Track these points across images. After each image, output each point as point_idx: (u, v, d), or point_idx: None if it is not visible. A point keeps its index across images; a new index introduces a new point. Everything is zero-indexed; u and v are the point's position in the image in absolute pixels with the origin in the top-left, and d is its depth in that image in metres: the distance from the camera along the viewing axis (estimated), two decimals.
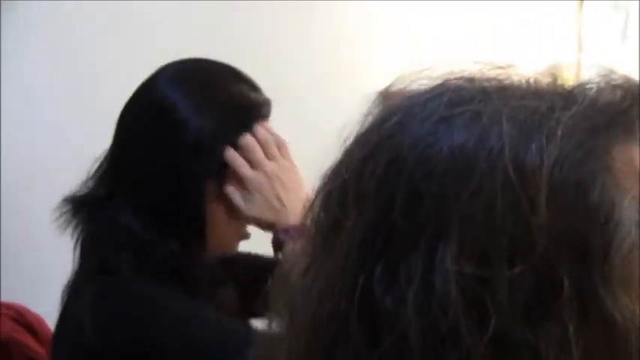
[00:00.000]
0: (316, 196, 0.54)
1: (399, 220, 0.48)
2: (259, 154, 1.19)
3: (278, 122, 1.24)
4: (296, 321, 0.52)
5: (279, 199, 1.19)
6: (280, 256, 1.16)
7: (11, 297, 1.50)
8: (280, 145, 1.22)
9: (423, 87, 0.53)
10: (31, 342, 1.32)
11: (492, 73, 0.53)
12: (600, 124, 0.50)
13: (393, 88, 0.56)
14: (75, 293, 1.19)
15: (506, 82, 0.53)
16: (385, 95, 0.56)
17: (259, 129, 1.20)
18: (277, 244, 1.18)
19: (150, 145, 1.18)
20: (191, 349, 1.11)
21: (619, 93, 0.52)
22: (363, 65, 2.13)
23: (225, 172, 1.18)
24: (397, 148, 0.50)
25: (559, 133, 0.48)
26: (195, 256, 1.17)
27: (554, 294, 0.46)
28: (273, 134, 1.22)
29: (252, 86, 1.22)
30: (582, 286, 0.46)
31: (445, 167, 0.48)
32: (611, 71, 0.53)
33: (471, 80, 0.53)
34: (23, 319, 1.35)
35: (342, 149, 0.53)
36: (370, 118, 0.54)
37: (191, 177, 1.17)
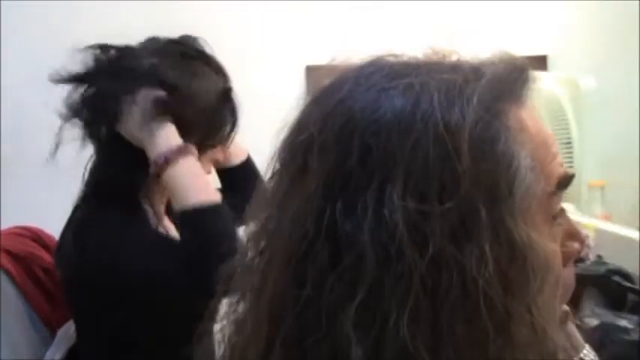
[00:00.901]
0: (283, 146, 0.65)
1: (355, 167, 0.60)
2: None
3: None
4: (270, 243, 0.63)
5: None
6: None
7: None
8: None
9: (363, 61, 0.65)
10: (45, 255, 1.61)
11: (411, 52, 0.66)
12: (500, 93, 0.64)
13: (334, 63, 0.68)
14: (71, 216, 1.43)
15: (425, 59, 0.66)
16: (328, 69, 0.67)
17: None
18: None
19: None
20: (155, 271, 1.31)
21: (509, 68, 0.66)
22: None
23: None
24: (350, 110, 0.62)
25: (474, 99, 0.61)
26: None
27: (474, 222, 0.59)
28: None
29: (218, 71, 1.43)
30: (494, 215, 0.59)
31: (389, 127, 0.60)
32: (503, 51, 0.68)
33: (397, 57, 0.66)
34: (39, 237, 1.65)
35: (298, 111, 0.65)
36: (320, 87, 0.65)
37: None
